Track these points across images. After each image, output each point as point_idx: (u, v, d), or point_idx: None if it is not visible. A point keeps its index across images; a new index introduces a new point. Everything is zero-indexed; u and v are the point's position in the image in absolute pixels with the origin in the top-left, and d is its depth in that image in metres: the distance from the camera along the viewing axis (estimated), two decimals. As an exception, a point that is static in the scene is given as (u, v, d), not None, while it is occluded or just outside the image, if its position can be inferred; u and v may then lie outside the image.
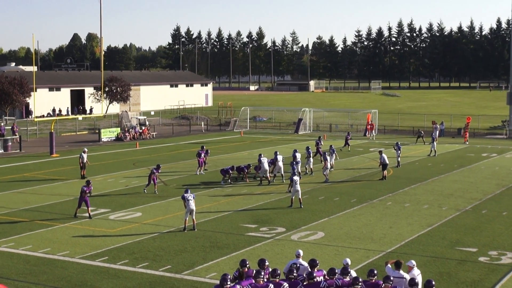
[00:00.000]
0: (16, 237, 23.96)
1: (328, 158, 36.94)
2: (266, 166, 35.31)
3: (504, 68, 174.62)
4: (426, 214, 27.62)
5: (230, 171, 35.89)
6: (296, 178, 29.49)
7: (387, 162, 37.13)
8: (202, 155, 39.19)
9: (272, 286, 13.95)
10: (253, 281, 14.04)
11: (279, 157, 36.30)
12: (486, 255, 21.44)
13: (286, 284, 14.15)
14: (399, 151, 41.49)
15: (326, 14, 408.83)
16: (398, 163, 41.35)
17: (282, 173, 36.14)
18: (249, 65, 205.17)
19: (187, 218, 24.73)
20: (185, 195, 24.79)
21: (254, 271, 14.51)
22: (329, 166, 36.55)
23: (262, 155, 36.49)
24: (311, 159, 38.58)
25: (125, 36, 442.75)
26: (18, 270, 19.90)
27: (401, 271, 14.82)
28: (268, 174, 35.40)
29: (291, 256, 19.49)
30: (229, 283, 13.77)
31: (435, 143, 47.63)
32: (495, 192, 32.94)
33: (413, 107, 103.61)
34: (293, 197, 29.20)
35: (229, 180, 35.47)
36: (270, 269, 14.84)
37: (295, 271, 14.65)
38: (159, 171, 33.44)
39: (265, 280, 14.28)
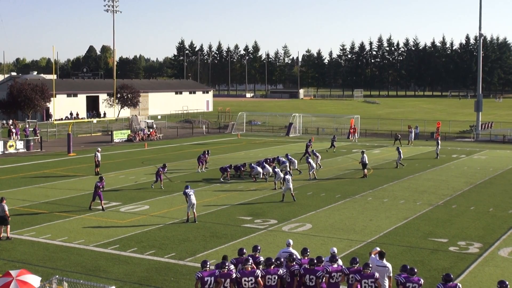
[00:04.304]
0: (37, 227, 23.89)
1: (311, 160, 36.72)
2: (259, 169, 35.25)
3: (472, 79, 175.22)
4: (402, 208, 27.62)
5: (228, 169, 35.85)
6: (288, 177, 29.24)
7: (367, 162, 37.11)
8: (202, 158, 39.16)
9: (259, 272, 13.89)
10: (217, 271, 13.91)
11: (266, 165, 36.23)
12: (456, 245, 21.45)
13: (280, 271, 14.09)
14: (400, 155, 41.09)
15: (314, 30, 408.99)
16: (397, 164, 40.94)
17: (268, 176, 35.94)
18: (245, 74, 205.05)
19: (189, 211, 24.72)
20: (186, 190, 24.74)
21: (244, 259, 14.43)
22: (315, 166, 36.47)
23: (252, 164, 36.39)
24: (295, 161, 38.36)
25: (135, 48, 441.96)
26: (38, 257, 19.84)
27: (384, 261, 14.74)
28: (261, 176, 35.25)
29: (282, 245, 19.47)
30: (208, 264, 13.95)
31: (439, 146, 46.80)
32: (464, 189, 32.97)
33: (391, 113, 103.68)
34: (285, 193, 29.16)
35: (228, 177, 35.43)
36: (262, 258, 14.78)
37: (296, 257, 14.90)
38: (165, 169, 33.40)
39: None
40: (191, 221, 24.56)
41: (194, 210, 24.76)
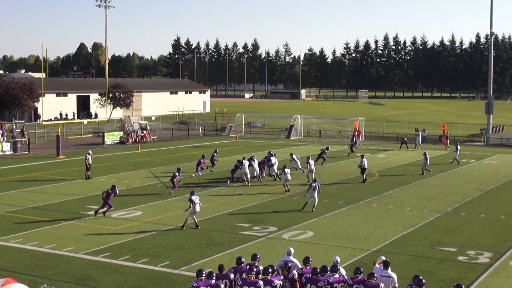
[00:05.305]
0: (23, 233, 23.86)
1: (311, 162, 36.88)
2: (246, 169, 35.52)
3: (482, 79, 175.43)
4: (409, 216, 27.62)
5: (238, 164, 36.09)
6: (314, 184, 28.59)
7: (366, 166, 37.09)
8: (202, 161, 39.49)
9: (261, 283, 13.90)
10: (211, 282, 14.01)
11: (255, 161, 36.79)
12: (465, 254, 21.45)
13: (277, 282, 14.11)
14: (427, 161, 40.60)
15: (317, 28, 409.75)
16: (423, 170, 40.51)
17: (255, 174, 36.46)
18: (244, 74, 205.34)
19: (189, 218, 24.70)
20: (192, 197, 24.70)
21: (247, 267, 14.48)
22: (313, 169, 36.56)
23: (245, 158, 36.75)
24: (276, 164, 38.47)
25: (129, 46, 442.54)
26: (25, 265, 19.81)
27: (389, 271, 14.72)
28: (248, 176, 35.48)
29: (282, 253, 19.47)
30: (204, 273, 13.96)
31: (458, 151, 46.41)
32: (474, 195, 32.98)
33: (398, 115, 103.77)
34: (309, 201, 28.63)
35: (233, 179, 35.78)
36: (261, 267, 14.80)
37: (297, 266, 15.05)
38: (180, 173, 33.52)
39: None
40: (190, 227, 24.53)
41: (194, 216, 24.82)
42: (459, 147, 47.41)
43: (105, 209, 26.85)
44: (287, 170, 33.37)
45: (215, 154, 41.40)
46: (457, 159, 46.09)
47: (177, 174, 33.02)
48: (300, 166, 39.13)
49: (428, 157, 41.01)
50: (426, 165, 40.67)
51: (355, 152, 50.38)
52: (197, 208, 24.62)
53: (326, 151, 44.51)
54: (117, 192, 27.71)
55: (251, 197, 31.83)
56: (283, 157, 44.09)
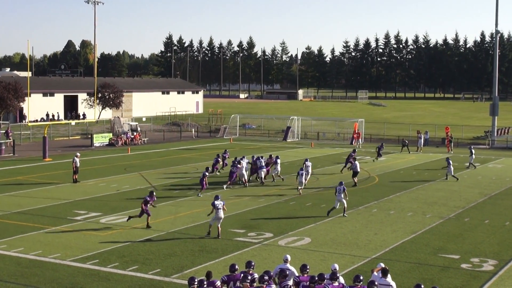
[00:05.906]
0: (8, 239, 23.80)
1: (309, 164, 37.18)
2: (243, 170, 36.31)
3: (487, 80, 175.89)
4: (410, 222, 27.67)
5: (236, 164, 36.26)
6: (340, 187, 28.71)
7: (359, 170, 37.20)
8: (218, 161, 40.69)
9: None
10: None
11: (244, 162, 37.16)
12: (468, 262, 21.50)
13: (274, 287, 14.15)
14: (451, 166, 40.11)
15: (315, 25, 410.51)
16: (447, 176, 40.21)
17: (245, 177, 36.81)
18: (239, 73, 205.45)
19: (212, 224, 24.49)
20: (216, 202, 24.47)
21: (242, 275, 14.49)
22: (310, 172, 36.93)
23: (243, 159, 37.42)
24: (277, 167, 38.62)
25: (119, 44, 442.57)
26: (9, 272, 19.77)
27: (388, 279, 14.75)
28: (245, 177, 36.40)
29: (278, 261, 19.49)
30: (196, 281, 13.89)
31: (473, 156, 45.98)
32: (478, 200, 33.06)
33: (399, 116, 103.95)
34: (337, 206, 28.65)
35: (231, 183, 36.04)
36: (256, 275, 14.82)
37: (294, 274, 15.09)
38: (208, 173, 33.94)
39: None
40: (213, 236, 24.35)
41: (219, 225, 24.49)
42: (473, 151, 46.80)
43: (147, 218, 26.15)
44: (301, 172, 33.97)
45: (225, 156, 42.79)
46: (473, 163, 45.82)
47: (206, 173, 33.38)
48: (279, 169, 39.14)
49: (451, 162, 40.61)
50: (451, 171, 40.11)
51: (380, 157, 49.75)
52: (221, 214, 24.31)
53: (353, 154, 42.84)
54: (155, 198, 27.13)
55: (246, 201, 31.84)
56: (285, 160, 44.01)
